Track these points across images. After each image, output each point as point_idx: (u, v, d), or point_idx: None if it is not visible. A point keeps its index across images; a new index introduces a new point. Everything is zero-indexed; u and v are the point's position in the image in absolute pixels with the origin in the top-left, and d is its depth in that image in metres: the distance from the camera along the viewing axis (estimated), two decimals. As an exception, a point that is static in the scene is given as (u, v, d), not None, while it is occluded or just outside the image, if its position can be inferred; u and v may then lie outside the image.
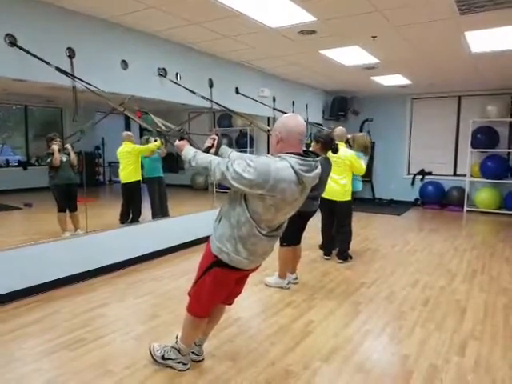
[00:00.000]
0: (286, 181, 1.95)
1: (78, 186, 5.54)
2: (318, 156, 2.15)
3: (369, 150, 5.14)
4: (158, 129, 2.57)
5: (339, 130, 4.88)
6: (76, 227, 5.29)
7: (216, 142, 2.33)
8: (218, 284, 2.22)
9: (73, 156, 5.38)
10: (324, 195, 4.47)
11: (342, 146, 4.60)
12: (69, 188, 5.36)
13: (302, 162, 2.00)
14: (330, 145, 3.91)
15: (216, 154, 2.31)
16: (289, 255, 3.97)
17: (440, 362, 2.62)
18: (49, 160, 5.14)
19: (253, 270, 2.32)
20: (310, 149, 3.84)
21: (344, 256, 4.85)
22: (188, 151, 2.22)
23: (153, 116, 2.65)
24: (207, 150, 2.30)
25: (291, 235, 3.88)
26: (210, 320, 2.49)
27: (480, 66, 6.13)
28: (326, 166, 3.98)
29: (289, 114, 2.22)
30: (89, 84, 3.65)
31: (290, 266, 4.01)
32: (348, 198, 4.70)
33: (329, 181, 4.17)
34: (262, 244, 2.12)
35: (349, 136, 5.16)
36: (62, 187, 5.28)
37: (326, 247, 5.01)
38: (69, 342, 2.81)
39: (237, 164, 1.98)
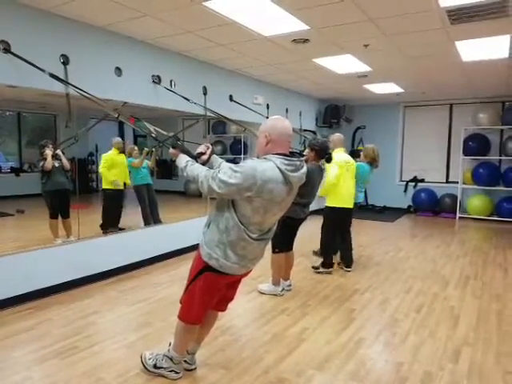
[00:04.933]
0: (272, 181, 1.97)
1: (70, 192, 5.48)
2: (302, 156, 2.18)
3: (377, 163, 5.02)
4: (153, 134, 2.59)
5: (337, 136, 4.76)
6: (68, 234, 5.24)
7: (209, 150, 2.35)
8: (209, 289, 2.22)
9: (65, 161, 5.35)
10: (346, 205, 4.45)
11: (343, 153, 4.62)
12: (61, 194, 5.31)
13: (287, 162, 2.03)
14: (324, 153, 3.92)
15: (207, 161, 2.32)
16: (281, 261, 3.96)
17: (434, 368, 2.62)
18: (41, 164, 5.11)
19: (244, 275, 2.31)
20: (305, 155, 3.85)
21: (351, 263, 4.78)
22: (180, 161, 2.25)
23: (146, 123, 2.66)
24: (199, 156, 2.31)
25: (282, 241, 3.88)
26: (202, 327, 2.47)
27: (471, 74, 6.22)
28: (319, 174, 3.99)
29: (275, 116, 2.22)
30: (81, 90, 3.65)
31: (283, 273, 4.00)
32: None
33: (349, 189, 4.10)
34: (251, 248, 2.12)
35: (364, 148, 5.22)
36: (55, 193, 5.23)
37: (331, 257, 4.70)
38: (60, 350, 2.78)
39: (222, 173, 1.99)
